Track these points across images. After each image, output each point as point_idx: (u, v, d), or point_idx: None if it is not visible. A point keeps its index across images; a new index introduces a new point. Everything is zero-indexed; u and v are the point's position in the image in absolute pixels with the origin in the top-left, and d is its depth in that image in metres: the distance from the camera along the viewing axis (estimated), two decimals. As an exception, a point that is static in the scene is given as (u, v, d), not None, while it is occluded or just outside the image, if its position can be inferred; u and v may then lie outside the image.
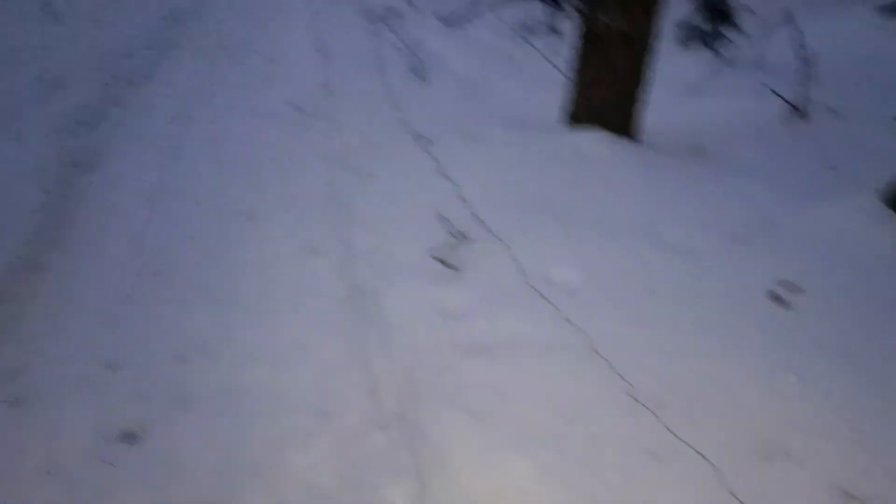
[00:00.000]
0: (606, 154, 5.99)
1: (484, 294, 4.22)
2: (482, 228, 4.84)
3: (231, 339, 4.32)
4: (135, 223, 5.32)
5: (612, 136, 6.24)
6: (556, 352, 3.73)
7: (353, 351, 4.18)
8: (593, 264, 4.40)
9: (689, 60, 8.65)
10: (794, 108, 7.10)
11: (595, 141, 6.17)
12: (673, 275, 4.35)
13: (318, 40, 10.42)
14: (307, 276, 4.86)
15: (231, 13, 12.22)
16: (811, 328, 3.81)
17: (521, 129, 6.85)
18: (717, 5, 8.17)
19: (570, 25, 8.10)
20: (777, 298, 4.06)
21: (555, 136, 6.51)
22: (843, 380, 3.42)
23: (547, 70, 8.29)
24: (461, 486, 3.10)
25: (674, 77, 8.01)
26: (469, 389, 3.56)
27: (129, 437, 3.50)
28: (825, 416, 3.24)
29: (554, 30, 9.62)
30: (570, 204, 5.18)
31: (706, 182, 5.65)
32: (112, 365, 3.91)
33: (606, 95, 6.43)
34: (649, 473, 3.00)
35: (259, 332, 4.39)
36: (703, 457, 3.02)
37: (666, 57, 7.15)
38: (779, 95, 7.19)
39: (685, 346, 3.74)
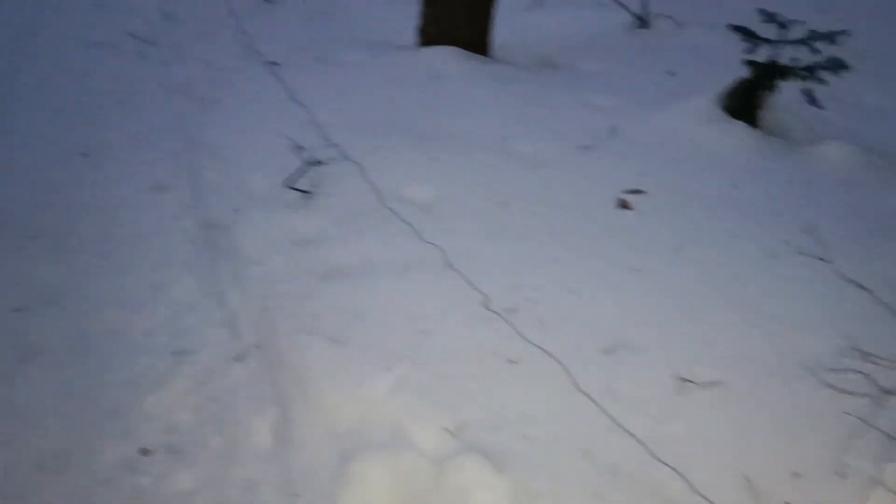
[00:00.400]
0: (458, 71, 5.97)
1: (338, 218, 4.17)
2: (334, 152, 4.74)
3: (76, 286, 4.09)
4: (-43, 169, 4.88)
5: (463, 52, 6.22)
6: (412, 269, 3.75)
7: (207, 286, 4.06)
8: (447, 181, 4.43)
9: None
10: (637, 18, 7.30)
11: (446, 58, 6.13)
12: (525, 187, 4.44)
13: (154, -37, 9.71)
14: (154, 214, 4.64)
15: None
16: (652, 228, 4.01)
17: (374, 50, 6.71)
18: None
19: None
20: (622, 203, 4.23)
21: (407, 55, 6.41)
22: (680, 274, 3.64)
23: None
24: (322, 409, 3.11)
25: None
26: (327, 314, 3.54)
27: (-36, 396, 3.28)
28: (663, 309, 3.44)
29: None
30: (422, 122, 5.15)
31: (555, 94, 5.75)
32: (-62, 322, 3.62)
33: (456, 12, 6.38)
34: (503, 378, 3.10)
35: (106, 276, 4.18)
36: (554, 358, 3.15)
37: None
38: (622, 5, 7.36)
39: (537, 255, 3.85)
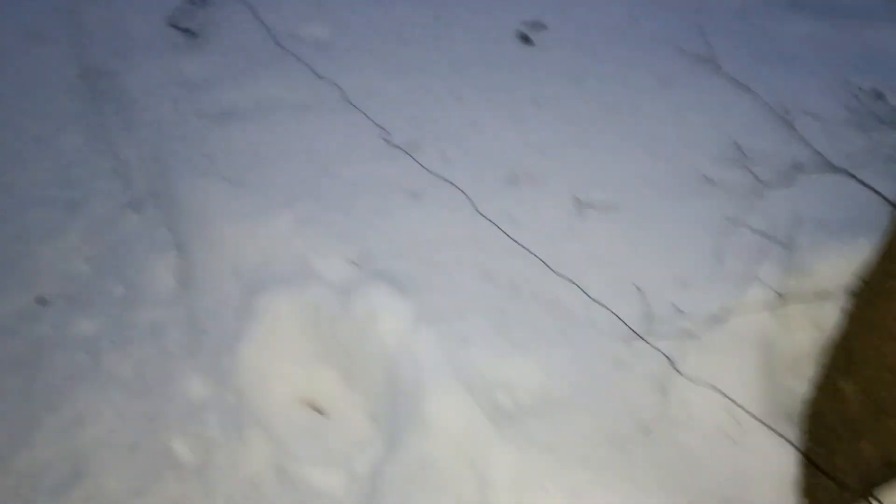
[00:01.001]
0: None
1: (229, 59, 3.96)
2: (222, -9, 4.44)
3: (-49, 143, 3.83)
4: None
5: None
6: (310, 108, 3.64)
7: (95, 136, 3.85)
8: (342, 18, 4.23)
9: None
10: None
11: None
12: (424, 23, 4.29)
13: None
14: (33, 64, 4.30)
15: None
16: (553, 61, 3.97)
17: None
18: None
19: None
20: (524, 37, 4.16)
21: None
22: (579, 105, 3.65)
23: None
24: (224, 249, 3.06)
25: None
26: (222, 156, 3.42)
27: None
28: (563, 138, 3.47)
29: None
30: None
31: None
32: None
33: None
34: (407, 209, 3.10)
35: (-15, 132, 3.91)
36: (457, 187, 3.16)
37: None
38: None
39: (438, 90, 3.78)
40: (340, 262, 2.86)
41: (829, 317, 2.40)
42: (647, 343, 2.43)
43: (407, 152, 3.36)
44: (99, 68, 4.20)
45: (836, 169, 2.59)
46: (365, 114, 3.54)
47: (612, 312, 2.54)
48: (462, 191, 3.15)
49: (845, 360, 2.13)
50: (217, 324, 2.85)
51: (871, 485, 1.61)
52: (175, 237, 3.27)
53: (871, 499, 1.55)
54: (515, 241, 2.89)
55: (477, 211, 3.07)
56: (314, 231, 2.99)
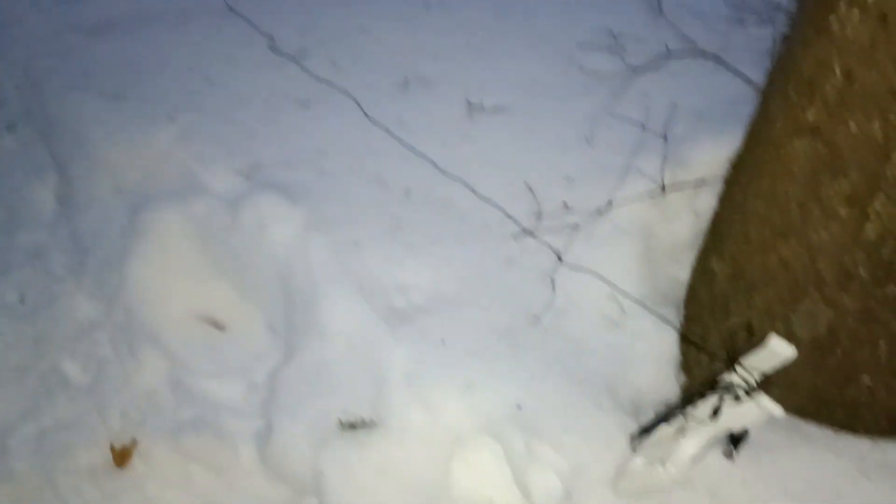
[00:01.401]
0: None
1: (100, -33, 3.71)
2: None
3: None
4: None
5: None
6: (190, 17, 3.48)
7: (-44, 54, 3.58)
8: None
9: None
10: None
11: None
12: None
13: None
14: None
15: None
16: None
17: None
18: None
19: None
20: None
21: None
22: (471, 9, 3.61)
23: None
24: (105, 167, 2.94)
25: None
26: (99, 70, 3.25)
27: None
28: (455, 43, 3.43)
29: None
30: None
31: None
32: None
33: None
34: (296, 119, 3.04)
35: None
36: (347, 94, 3.10)
37: None
38: None
39: (327, -4, 3.67)
40: (228, 173, 2.79)
41: (707, 204, 2.50)
42: (536, 238, 2.48)
43: (295, 60, 3.26)
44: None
45: (708, 56, 2.66)
46: (249, 21, 3.40)
47: (501, 209, 2.57)
48: (352, 97, 3.09)
49: (715, 240, 2.23)
50: (102, 243, 2.75)
51: (737, 352, 1.72)
52: (54, 157, 3.12)
53: (735, 365, 1.65)
54: (407, 146, 2.87)
55: (368, 117, 3.03)
56: (199, 143, 2.90)
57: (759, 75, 2.61)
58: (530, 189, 2.70)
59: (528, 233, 2.52)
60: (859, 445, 1.94)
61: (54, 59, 3.35)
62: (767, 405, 1.58)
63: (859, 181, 1.76)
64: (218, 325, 2.64)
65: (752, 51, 2.92)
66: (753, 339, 1.79)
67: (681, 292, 2.48)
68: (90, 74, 3.23)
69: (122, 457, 2.27)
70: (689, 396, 1.78)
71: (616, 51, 2.99)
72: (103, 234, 2.76)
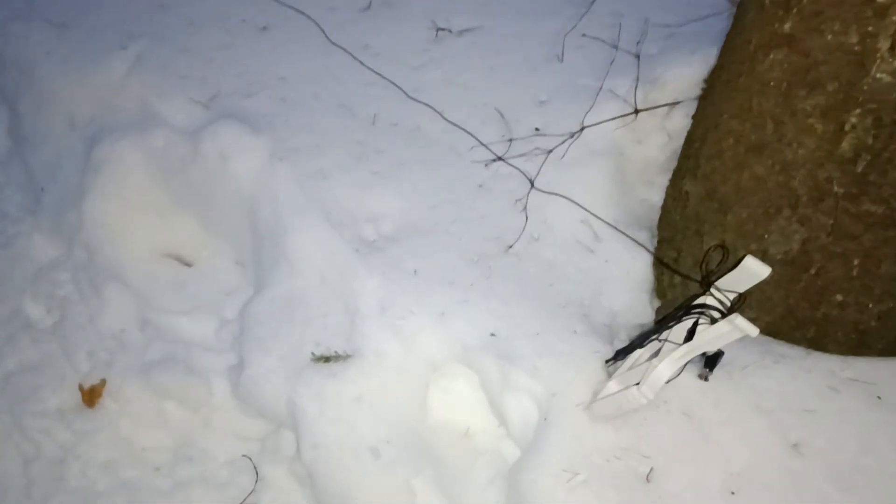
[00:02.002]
0: None
1: None
2: None
3: None
4: None
5: None
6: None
7: None
8: None
9: None
10: None
11: None
12: None
13: None
14: None
15: None
16: None
17: None
18: None
19: None
20: None
21: None
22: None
23: None
24: (54, 101, 2.81)
25: None
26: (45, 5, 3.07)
27: None
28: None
29: None
30: None
31: None
32: None
33: None
34: (255, 45, 2.92)
35: None
36: (308, 17, 2.98)
37: None
38: None
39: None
40: (185, 103, 2.69)
41: (679, 125, 2.46)
42: (506, 163, 2.43)
43: (252, -16, 3.10)
44: None
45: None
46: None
47: (470, 134, 2.51)
48: (314, 20, 2.97)
49: (689, 162, 2.20)
50: (58, 180, 2.65)
51: (708, 274, 1.70)
52: (1, 91, 2.96)
53: (711, 286, 1.64)
54: (372, 70, 2.77)
55: (330, 41, 2.91)
56: (154, 73, 2.77)
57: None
58: (500, 113, 2.63)
59: (499, 158, 2.46)
60: (830, 363, 1.95)
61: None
62: (743, 325, 1.57)
63: (836, 94, 1.72)
64: (184, 262, 2.58)
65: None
66: (727, 260, 1.77)
67: (654, 215, 2.45)
68: (32, 2, 3.05)
69: (91, 397, 2.23)
70: (664, 320, 1.77)
71: None
72: (59, 171, 2.66)
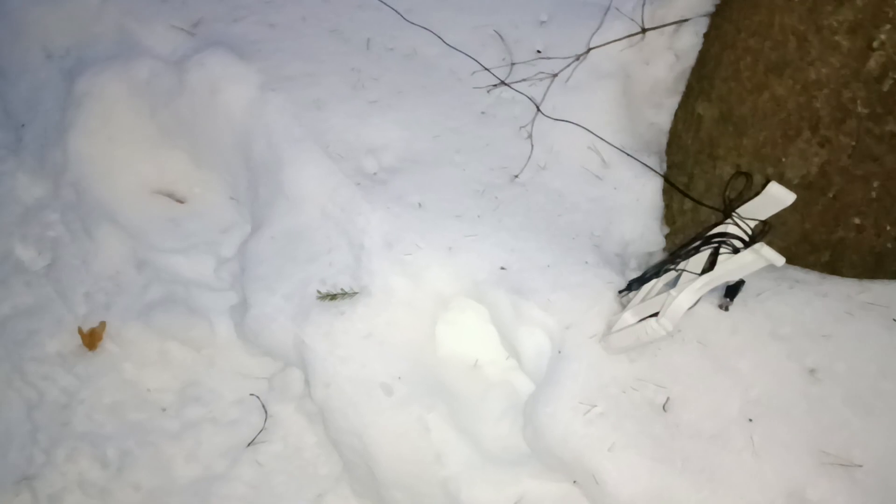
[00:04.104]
0: None
1: None
2: None
3: None
4: None
5: None
6: None
7: None
8: None
9: None
10: None
11: None
12: None
13: None
14: None
15: None
16: None
17: None
18: None
19: None
20: None
21: None
22: None
23: None
24: (28, 32, 2.66)
25: None
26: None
27: None
28: None
29: None
30: None
31: None
32: None
33: None
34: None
35: None
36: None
37: None
38: None
39: None
40: (168, 31, 2.55)
41: (688, 44, 2.36)
42: (509, 87, 2.33)
43: None
44: None
45: None
46: None
47: (471, 58, 2.40)
48: (299, -62, 2.79)
49: (702, 84, 2.11)
50: (38, 115, 2.53)
51: (730, 201, 1.65)
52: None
53: (732, 215, 1.58)
54: (364, -8, 2.63)
55: (320, -39, 2.75)
56: (132, -2, 2.61)
57: None
58: (500, 35, 2.52)
59: (502, 83, 2.36)
60: (845, 286, 1.93)
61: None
62: (769, 254, 1.53)
63: (865, 9, 1.64)
64: (176, 198, 2.49)
65: None
66: (747, 186, 1.72)
67: (662, 139, 2.39)
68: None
69: (91, 340, 2.18)
70: (681, 248, 1.72)
71: None
72: (39, 106, 2.53)
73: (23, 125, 2.54)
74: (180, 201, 2.49)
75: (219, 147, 2.40)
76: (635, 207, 2.22)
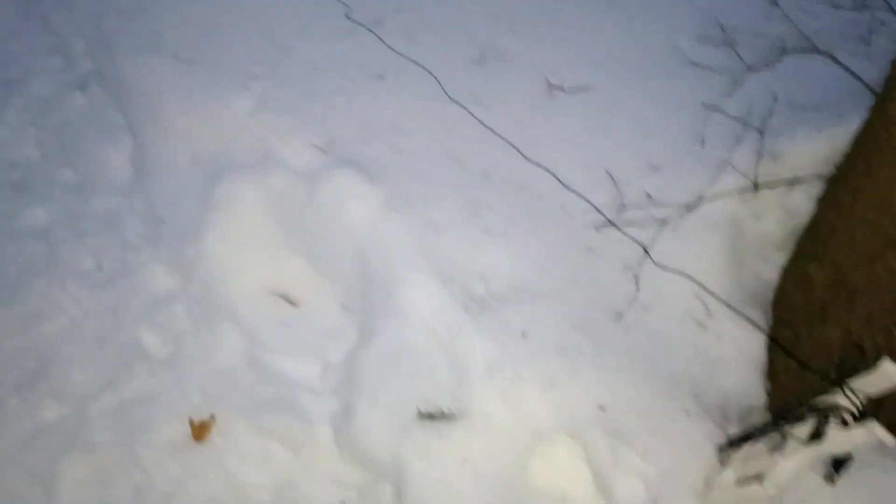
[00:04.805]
0: None
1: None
2: None
3: None
4: None
5: None
6: (266, -19, 3.40)
7: (27, 9, 3.56)
8: None
9: None
10: None
11: None
12: None
13: None
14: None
15: None
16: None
17: None
18: None
19: None
20: None
21: None
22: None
23: None
24: (180, 133, 2.92)
25: None
26: (172, 31, 3.20)
27: None
28: (533, 15, 3.32)
29: None
30: None
31: None
32: None
33: None
34: (372, 91, 2.98)
35: None
36: (423, 67, 3.03)
37: None
38: None
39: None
40: (304, 146, 2.76)
41: (800, 203, 2.41)
42: (619, 230, 2.42)
43: (369, 29, 3.18)
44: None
45: (814, 50, 2.52)
46: (324, -14, 3.32)
47: (586, 200, 2.51)
48: (429, 71, 3.02)
49: (815, 245, 2.15)
50: (177, 213, 2.74)
51: (839, 369, 1.66)
52: (126, 120, 3.10)
53: (842, 385, 1.60)
54: (485, 126, 2.80)
55: (445, 93, 2.95)
56: (275, 114, 2.86)
57: (859, 66, 2.49)
58: (612, 178, 2.63)
59: (612, 224, 2.45)
60: (958, 467, 1.87)
61: (125, 19, 3.32)
62: (880, 433, 1.53)
63: None
64: (291, 301, 2.63)
65: (849, 38, 2.79)
66: (860, 358, 1.73)
67: (768, 292, 2.41)
68: (162, 36, 3.19)
69: (200, 431, 2.28)
70: (783, 411, 1.73)
71: (716, 38, 2.79)
72: (179, 204, 2.75)
73: (162, 220, 2.75)
74: (294, 304, 2.63)
75: (337, 257, 2.55)
76: (738, 359, 2.23)
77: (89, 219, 2.82)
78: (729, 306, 2.24)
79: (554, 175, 2.62)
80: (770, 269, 2.40)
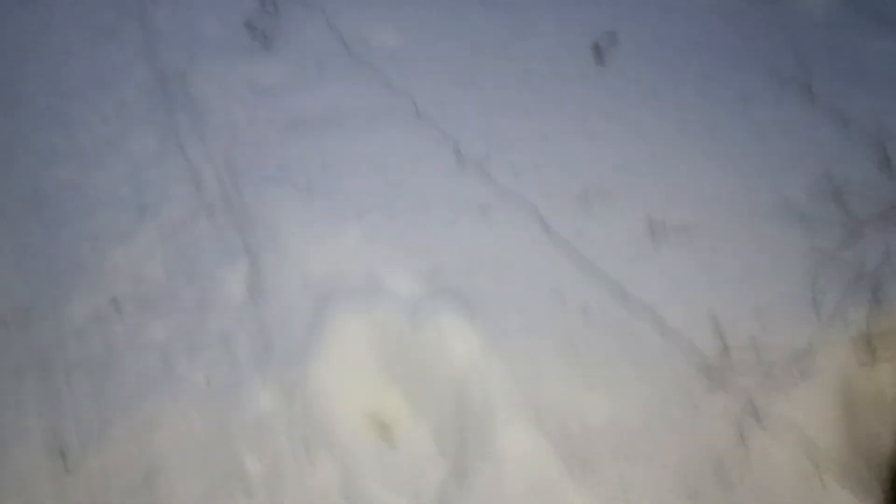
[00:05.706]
0: None
1: (300, 66, 3.99)
2: (294, -4, 4.46)
3: (22, 141, 3.94)
4: None
5: None
6: (380, 118, 3.64)
7: (165, 139, 3.91)
8: (413, 25, 4.22)
9: None
10: None
11: None
12: (496, 32, 4.25)
13: None
14: (103, 63, 4.40)
15: None
16: (625, 73, 3.89)
17: None
18: None
19: None
20: (597, 49, 4.07)
21: None
22: (653, 119, 3.57)
23: None
24: (294, 259, 3.08)
25: None
26: (293, 164, 3.44)
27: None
28: (636, 154, 3.40)
29: None
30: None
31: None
32: None
33: None
34: (476, 224, 3.08)
35: (55, 131, 4.03)
36: (528, 202, 3.12)
37: None
38: None
39: (509, 102, 3.75)
40: (409, 276, 2.85)
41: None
42: (726, 379, 2.36)
43: (478, 165, 3.33)
44: (169, 69, 4.27)
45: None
46: (436, 125, 3.52)
47: (687, 341, 2.47)
48: (533, 206, 3.11)
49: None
50: (286, 335, 2.86)
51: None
52: (246, 244, 3.30)
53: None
54: (587, 263, 2.84)
55: (548, 228, 3.03)
56: (384, 244, 2.99)
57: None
58: (718, 321, 2.58)
59: (716, 372, 2.40)
60: None
61: (252, 151, 3.59)
62: None
63: None
64: (386, 435, 2.65)
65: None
66: None
67: (883, 453, 2.27)
68: (285, 168, 3.43)
69: (290, 558, 2.29)
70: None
71: (828, 191, 2.74)
72: (288, 326, 2.87)
73: (271, 340, 2.87)
74: (388, 437, 2.65)
75: (436, 391, 2.58)
76: (854, 528, 2.09)
77: (205, 336, 2.98)
78: (841, 465, 2.12)
79: (654, 312, 2.61)
80: (884, 428, 2.28)
